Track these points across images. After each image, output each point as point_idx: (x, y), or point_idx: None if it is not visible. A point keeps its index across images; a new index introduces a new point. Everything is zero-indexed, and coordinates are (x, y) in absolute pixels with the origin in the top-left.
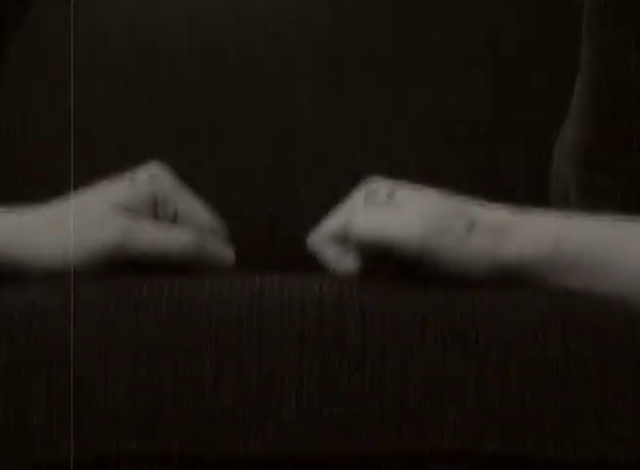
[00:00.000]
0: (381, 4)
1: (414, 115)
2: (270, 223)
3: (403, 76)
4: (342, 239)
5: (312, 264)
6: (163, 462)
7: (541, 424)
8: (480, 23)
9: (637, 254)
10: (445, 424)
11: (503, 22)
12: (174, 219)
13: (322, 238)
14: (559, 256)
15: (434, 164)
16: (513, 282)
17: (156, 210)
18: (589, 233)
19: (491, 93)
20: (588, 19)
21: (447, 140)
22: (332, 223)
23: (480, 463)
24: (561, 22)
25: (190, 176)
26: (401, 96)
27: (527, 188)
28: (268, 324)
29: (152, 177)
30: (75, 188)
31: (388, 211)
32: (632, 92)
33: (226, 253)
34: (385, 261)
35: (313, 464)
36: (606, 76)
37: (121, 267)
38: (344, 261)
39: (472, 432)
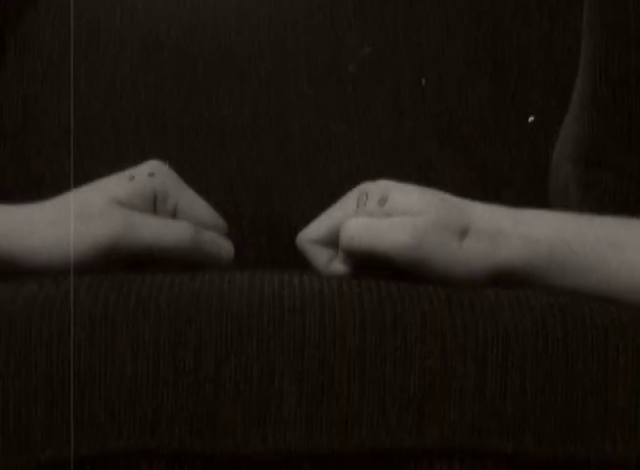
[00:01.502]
0: (381, 4)
1: (413, 114)
2: (270, 222)
3: (403, 76)
4: (332, 242)
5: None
6: (163, 460)
7: (541, 424)
8: (479, 21)
9: (635, 257)
10: (445, 423)
11: (503, 19)
12: (174, 215)
13: (311, 239)
14: (554, 259)
15: (433, 163)
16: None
17: (155, 205)
18: (585, 236)
19: (491, 91)
20: (588, 16)
21: (446, 139)
22: (321, 225)
23: (480, 462)
24: (561, 19)
25: (190, 174)
26: (401, 95)
27: (527, 186)
28: (268, 321)
29: (151, 173)
30: (75, 186)
31: (379, 220)
32: (632, 90)
33: (225, 247)
34: (376, 267)
35: (313, 464)
36: (606, 74)
37: (121, 263)
38: (335, 265)
39: (472, 431)
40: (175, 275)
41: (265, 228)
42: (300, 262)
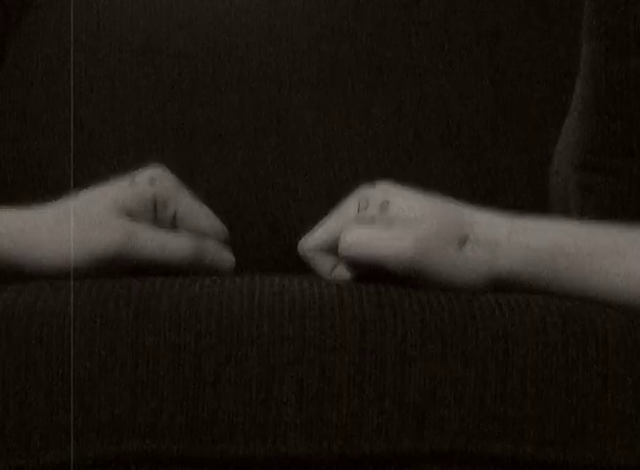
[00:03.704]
0: (382, 8)
1: (414, 117)
2: (270, 226)
3: (404, 80)
4: (334, 249)
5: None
6: (163, 462)
7: (541, 424)
8: (480, 25)
9: (634, 265)
10: (445, 428)
11: (503, 23)
12: (174, 220)
13: (313, 247)
14: (553, 268)
15: (434, 167)
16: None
17: (156, 211)
18: (584, 244)
19: (492, 95)
20: (588, 21)
21: (448, 142)
22: (323, 233)
23: (481, 463)
24: (561, 23)
25: (190, 178)
26: (402, 100)
27: (528, 190)
28: (268, 325)
29: (152, 179)
30: (76, 189)
31: (378, 230)
32: (632, 94)
33: (226, 257)
34: (377, 272)
35: (313, 464)
36: (606, 79)
37: (122, 269)
38: (338, 271)
39: (472, 432)
40: (175, 280)
41: (266, 232)
42: (300, 266)
